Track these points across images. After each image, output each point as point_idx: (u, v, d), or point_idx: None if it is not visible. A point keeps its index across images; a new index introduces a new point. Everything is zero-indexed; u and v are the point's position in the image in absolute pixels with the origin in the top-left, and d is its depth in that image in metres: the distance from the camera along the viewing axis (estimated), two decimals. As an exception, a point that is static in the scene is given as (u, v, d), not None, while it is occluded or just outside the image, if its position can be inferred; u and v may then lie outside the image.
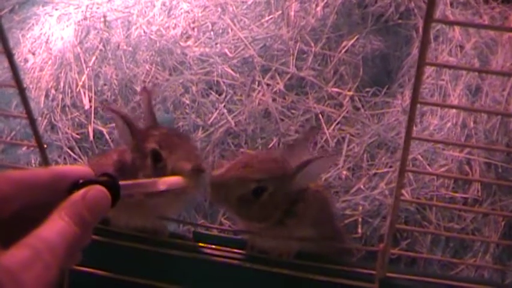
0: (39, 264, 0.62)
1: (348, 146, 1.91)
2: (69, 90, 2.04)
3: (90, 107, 1.98)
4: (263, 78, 1.99)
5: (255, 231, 1.25)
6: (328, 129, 1.93)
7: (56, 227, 0.66)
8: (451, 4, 2.29)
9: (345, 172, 1.84)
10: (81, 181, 0.71)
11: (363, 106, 2.02)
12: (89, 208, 0.69)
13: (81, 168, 0.75)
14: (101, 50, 2.13)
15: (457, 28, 2.16)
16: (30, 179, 0.70)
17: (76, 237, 0.67)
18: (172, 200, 1.18)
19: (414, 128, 1.90)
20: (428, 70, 2.08)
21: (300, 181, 1.18)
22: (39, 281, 0.62)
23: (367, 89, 2.06)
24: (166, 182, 1.03)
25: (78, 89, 2.03)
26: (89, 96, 2.01)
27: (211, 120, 1.91)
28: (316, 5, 2.16)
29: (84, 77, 2.05)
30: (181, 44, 2.12)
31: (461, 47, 2.14)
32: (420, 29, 1.95)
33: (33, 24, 2.37)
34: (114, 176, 0.74)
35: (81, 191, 0.70)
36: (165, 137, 1.18)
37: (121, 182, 0.75)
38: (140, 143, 1.19)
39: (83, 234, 0.68)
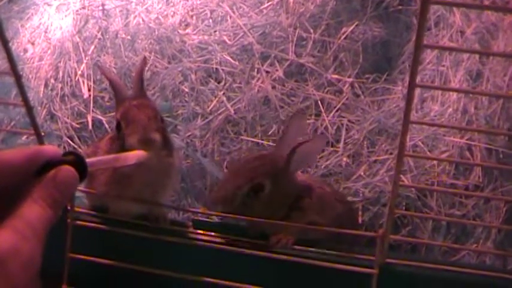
0: (26, 249, 0.62)
1: (348, 132, 1.90)
2: (68, 80, 2.03)
3: (89, 96, 1.97)
4: (262, 65, 1.98)
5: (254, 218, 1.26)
6: (328, 116, 1.92)
7: (33, 211, 0.66)
8: (452, -10, 2.27)
9: (345, 159, 1.84)
10: (49, 162, 0.73)
11: (363, 93, 2.01)
12: (60, 189, 0.70)
13: (49, 148, 0.75)
14: (99, 39, 2.12)
15: (457, 13, 2.14)
16: (3, 162, 0.70)
17: (51, 220, 0.67)
18: (137, 170, 1.17)
19: (415, 114, 1.91)
20: (429, 56, 2.07)
21: (295, 167, 1.21)
22: (26, 267, 0.62)
23: (367, 76, 2.05)
24: (130, 156, 1.05)
25: (77, 78, 2.02)
26: (88, 85, 2.00)
27: (210, 108, 1.91)
28: (315, -9, 2.15)
29: (83, 66, 2.04)
30: (180, 31, 2.10)
31: (462, 32, 2.12)
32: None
33: (32, 14, 2.36)
34: (79, 155, 0.77)
35: (51, 173, 0.71)
36: (128, 109, 1.19)
37: (87, 160, 0.78)
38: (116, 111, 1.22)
39: (56, 215, 0.69)
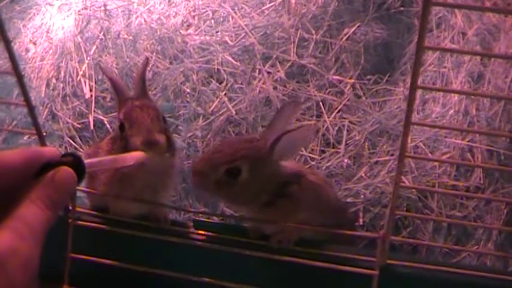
0: (24, 249, 0.62)
1: (349, 134, 1.90)
2: (70, 80, 2.03)
3: (91, 96, 1.98)
4: (264, 66, 1.98)
5: (255, 218, 1.25)
6: (329, 117, 1.92)
7: (32, 211, 0.66)
8: (453, -9, 2.27)
9: (346, 160, 1.84)
10: (48, 163, 0.74)
11: (364, 94, 2.01)
12: (59, 190, 0.71)
13: (48, 149, 0.76)
14: (101, 39, 2.12)
15: (459, 14, 2.15)
16: (2, 163, 0.71)
17: (49, 221, 0.68)
18: (139, 171, 1.17)
19: (416, 115, 1.91)
20: (431, 57, 2.07)
21: (279, 156, 1.18)
22: (25, 267, 0.62)
23: (369, 77, 2.05)
24: (129, 157, 1.06)
25: (78, 78, 2.03)
26: (89, 85, 2.01)
27: (211, 109, 1.91)
28: (317, -8, 2.15)
29: (84, 66, 2.05)
30: (182, 32, 2.11)
31: (464, 34, 2.12)
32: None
33: (34, 14, 2.36)
34: (78, 156, 0.78)
35: (50, 174, 0.72)
36: (131, 109, 1.20)
37: (86, 161, 0.79)
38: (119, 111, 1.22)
39: (54, 216, 0.69)
